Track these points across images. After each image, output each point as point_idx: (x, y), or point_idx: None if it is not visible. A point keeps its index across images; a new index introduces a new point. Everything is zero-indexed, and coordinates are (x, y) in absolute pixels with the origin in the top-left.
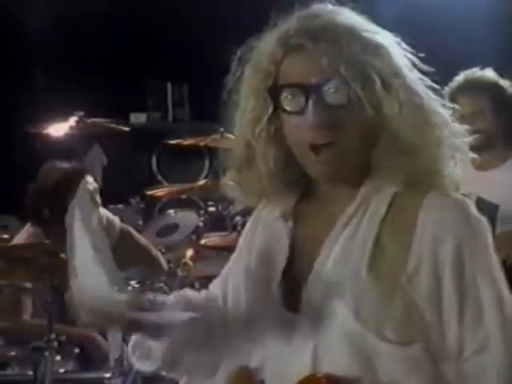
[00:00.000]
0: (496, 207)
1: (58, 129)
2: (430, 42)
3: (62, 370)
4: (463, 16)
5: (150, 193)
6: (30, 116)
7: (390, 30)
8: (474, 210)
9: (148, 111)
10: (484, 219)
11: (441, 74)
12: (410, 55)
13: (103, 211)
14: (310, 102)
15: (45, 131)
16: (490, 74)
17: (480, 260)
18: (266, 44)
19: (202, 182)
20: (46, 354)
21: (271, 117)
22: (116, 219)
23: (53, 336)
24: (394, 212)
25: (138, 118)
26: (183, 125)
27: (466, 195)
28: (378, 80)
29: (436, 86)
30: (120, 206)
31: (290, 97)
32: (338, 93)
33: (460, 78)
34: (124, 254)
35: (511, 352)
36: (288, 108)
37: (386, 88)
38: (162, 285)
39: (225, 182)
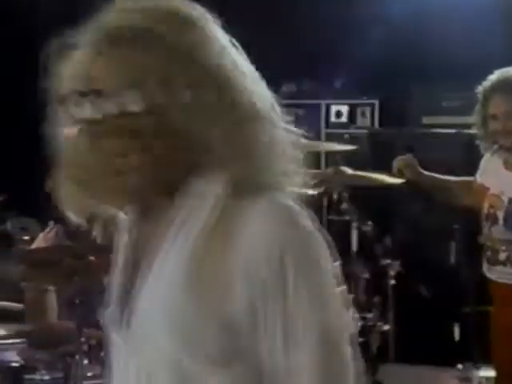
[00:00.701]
0: None
1: None
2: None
3: (89, 374)
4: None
5: None
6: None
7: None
8: (304, 221)
9: None
10: (317, 231)
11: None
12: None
13: None
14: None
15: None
16: None
17: (305, 277)
18: None
19: None
20: (77, 357)
21: None
22: None
23: (83, 340)
24: (213, 222)
25: None
26: None
27: (495, 195)
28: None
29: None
30: None
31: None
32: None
33: (494, 76)
34: None
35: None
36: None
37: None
38: None
39: None
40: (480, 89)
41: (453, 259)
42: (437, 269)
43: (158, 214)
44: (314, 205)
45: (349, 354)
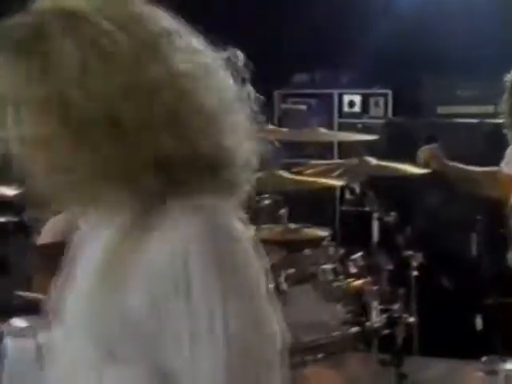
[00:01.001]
0: None
1: None
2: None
3: None
4: None
5: None
6: None
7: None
8: (227, 226)
9: None
10: (243, 235)
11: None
12: None
13: None
14: None
15: None
16: None
17: (216, 281)
18: None
19: (257, 174)
20: None
21: None
22: None
23: None
24: (128, 228)
25: None
26: None
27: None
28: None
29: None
30: None
31: None
32: None
33: None
34: None
35: None
36: None
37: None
38: None
39: None
40: (508, 77)
41: (474, 250)
42: (459, 260)
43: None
44: (333, 196)
45: (269, 367)
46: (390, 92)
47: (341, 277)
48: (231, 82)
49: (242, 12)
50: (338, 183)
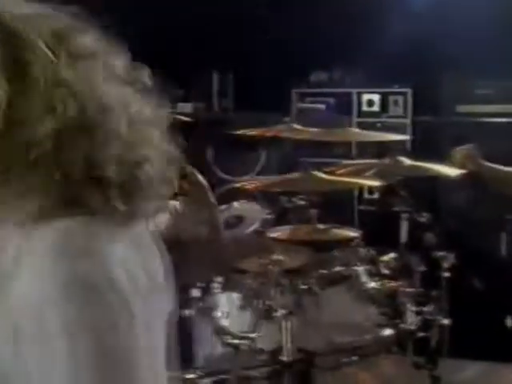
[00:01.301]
0: None
1: None
2: None
3: None
4: None
5: (238, 185)
6: None
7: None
8: (98, 262)
9: (192, 101)
10: (122, 273)
11: None
12: None
13: None
14: None
15: None
16: None
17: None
18: None
19: (294, 175)
20: None
21: None
22: None
23: None
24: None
25: (184, 108)
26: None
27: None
28: None
29: None
30: None
31: None
32: None
33: None
34: None
35: None
36: None
37: None
38: None
39: None
40: None
41: (504, 250)
42: (489, 260)
43: None
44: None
45: None
46: (409, 91)
47: (375, 278)
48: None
49: (258, 10)
50: (376, 184)
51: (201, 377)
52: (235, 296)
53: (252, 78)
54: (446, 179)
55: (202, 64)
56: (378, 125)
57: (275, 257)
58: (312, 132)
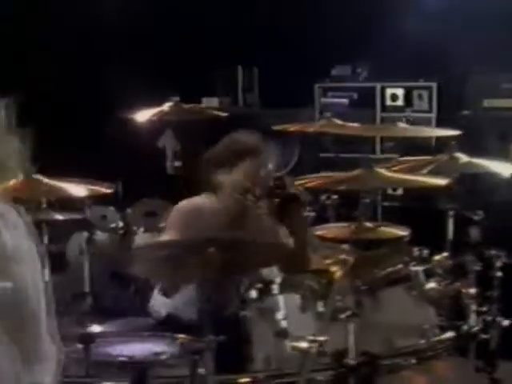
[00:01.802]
0: None
1: (144, 115)
2: None
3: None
4: None
5: (300, 182)
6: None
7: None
8: None
9: (218, 96)
10: None
11: None
12: None
13: None
14: None
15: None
16: None
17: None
18: None
19: (357, 171)
20: (206, 355)
21: None
22: None
23: (212, 337)
24: None
25: (210, 103)
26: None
27: None
28: None
29: None
30: None
31: None
32: None
33: None
34: None
35: None
36: None
37: None
38: None
39: None
40: None
41: None
42: None
43: None
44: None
45: None
46: (434, 85)
47: (433, 279)
48: None
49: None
50: (442, 182)
51: (262, 379)
52: (296, 297)
53: (277, 73)
54: (497, 176)
55: (226, 59)
56: (402, 119)
57: (340, 256)
58: (358, 128)
